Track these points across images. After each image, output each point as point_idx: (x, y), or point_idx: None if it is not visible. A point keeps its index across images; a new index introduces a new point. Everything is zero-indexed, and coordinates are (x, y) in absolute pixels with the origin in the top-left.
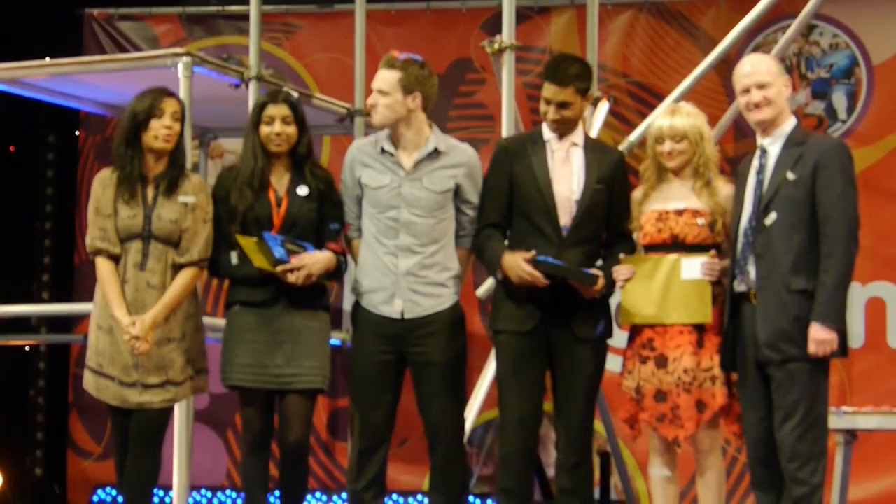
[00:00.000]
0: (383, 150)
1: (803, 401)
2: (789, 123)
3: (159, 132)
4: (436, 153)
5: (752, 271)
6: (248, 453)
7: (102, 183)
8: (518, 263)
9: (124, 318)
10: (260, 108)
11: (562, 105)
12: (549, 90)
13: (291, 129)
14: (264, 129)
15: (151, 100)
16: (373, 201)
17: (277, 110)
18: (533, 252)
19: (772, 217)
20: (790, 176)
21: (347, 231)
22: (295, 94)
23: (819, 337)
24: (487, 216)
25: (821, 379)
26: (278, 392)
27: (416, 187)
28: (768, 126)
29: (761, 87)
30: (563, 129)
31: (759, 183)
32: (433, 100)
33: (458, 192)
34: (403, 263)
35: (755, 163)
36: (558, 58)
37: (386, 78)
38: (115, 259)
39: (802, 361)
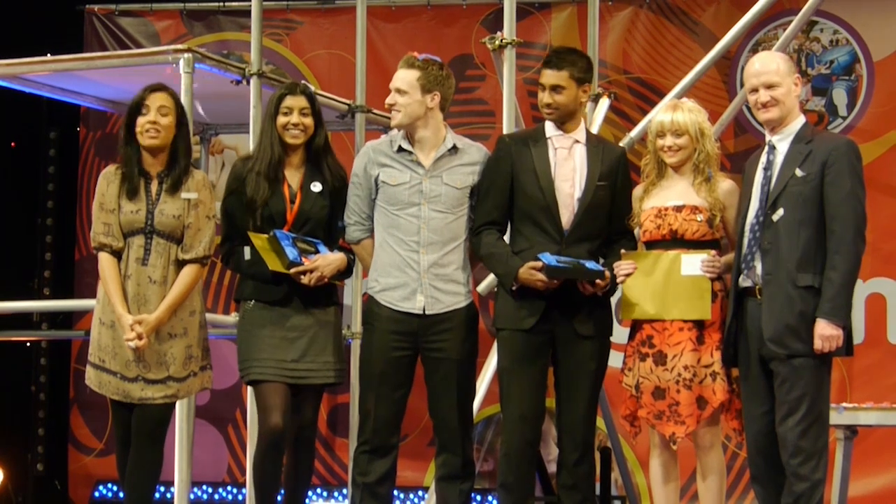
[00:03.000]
0: (400, 149)
1: (807, 397)
2: (798, 121)
3: (143, 127)
4: (454, 150)
5: (758, 266)
6: (265, 448)
7: (107, 179)
8: (534, 278)
9: (125, 315)
10: (278, 99)
11: (554, 89)
12: (543, 75)
13: (308, 121)
14: (281, 120)
15: (137, 97)
16: (392, 199)
17: (295, 101)
18: (541, 263)
19: (779, 213)
20: (798, 172)
21: (351, 230)
22: (312, 87)
23: (825, 333)
24: (487, 213)
25: (824, 375)
26: (294, 386)
27: (436, 184)
28: (777, 124)
29: (769, 87)
30: (556, 115)
31: (767, 179)
32: (450, 100)
33: (473, 191)
34: (425, 259)
35: (763, 158)
36: (558, 47)
37: (405, 77)
38: (119, 254)
39: (807, 357)
